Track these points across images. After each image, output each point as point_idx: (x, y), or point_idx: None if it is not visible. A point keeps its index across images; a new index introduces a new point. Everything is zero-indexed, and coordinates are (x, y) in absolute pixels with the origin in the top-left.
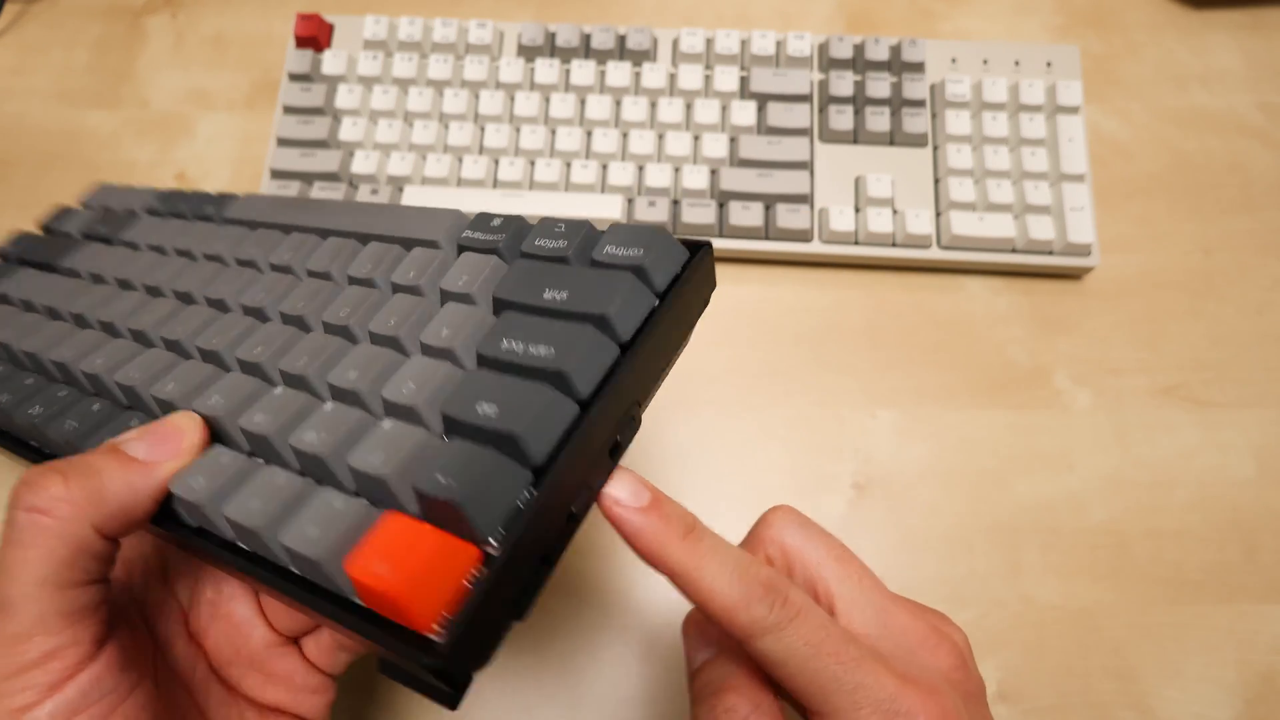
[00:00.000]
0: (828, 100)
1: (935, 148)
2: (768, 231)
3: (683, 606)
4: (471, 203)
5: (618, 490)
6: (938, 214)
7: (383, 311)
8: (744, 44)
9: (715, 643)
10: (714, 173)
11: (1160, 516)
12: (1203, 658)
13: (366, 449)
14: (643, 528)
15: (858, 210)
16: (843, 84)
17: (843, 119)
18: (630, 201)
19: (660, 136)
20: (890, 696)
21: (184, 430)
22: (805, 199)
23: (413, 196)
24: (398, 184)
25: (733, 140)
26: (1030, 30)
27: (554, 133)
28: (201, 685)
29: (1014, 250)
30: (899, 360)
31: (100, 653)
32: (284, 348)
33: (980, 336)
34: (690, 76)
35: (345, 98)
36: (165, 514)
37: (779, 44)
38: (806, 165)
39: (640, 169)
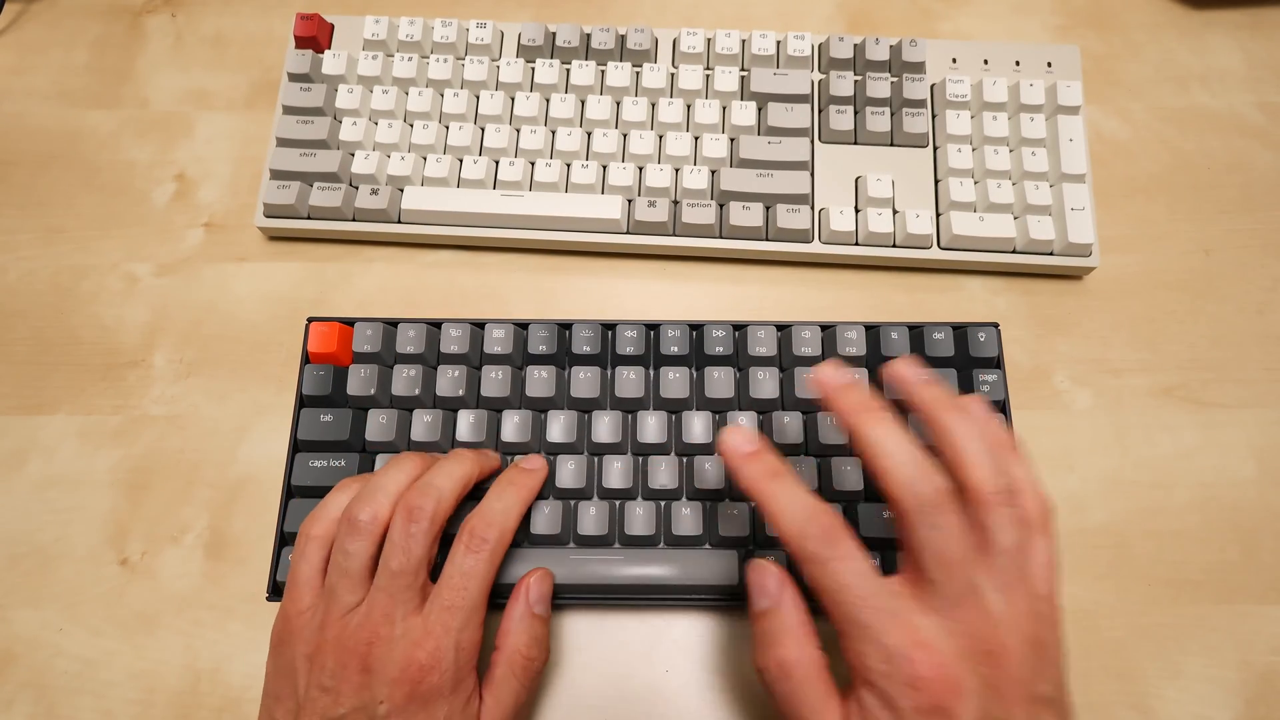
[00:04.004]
0: (828, 100)
1: (935, 148)
2: (768, 232)
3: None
4: (472, 203)
5: (734, 439)
6: (938, 214)
7: None
8: (744, 44)
9: (776, 595)
10: (714, 173)
11: (1160, 516)
12: (1203, 658)
13: None
14: (741, 466)
15: (858, 210)
16: (843, 84)
17: (843, 119)
18: (630, 202)
19: (660, 137)
20: (895, 644)
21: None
22: (805, 199)
23: (413, 197)
24: (398, 184)
25: (733, 141)
26: (1030, 30)
27: (554, 133)
28: None
29: (1014, 250)
30: None
31: None
32: None
33: None
34: (690, 77)
35: (345, 98)
36: None
37: (779, 44)
38: (806, 165)
39: (640, 170)
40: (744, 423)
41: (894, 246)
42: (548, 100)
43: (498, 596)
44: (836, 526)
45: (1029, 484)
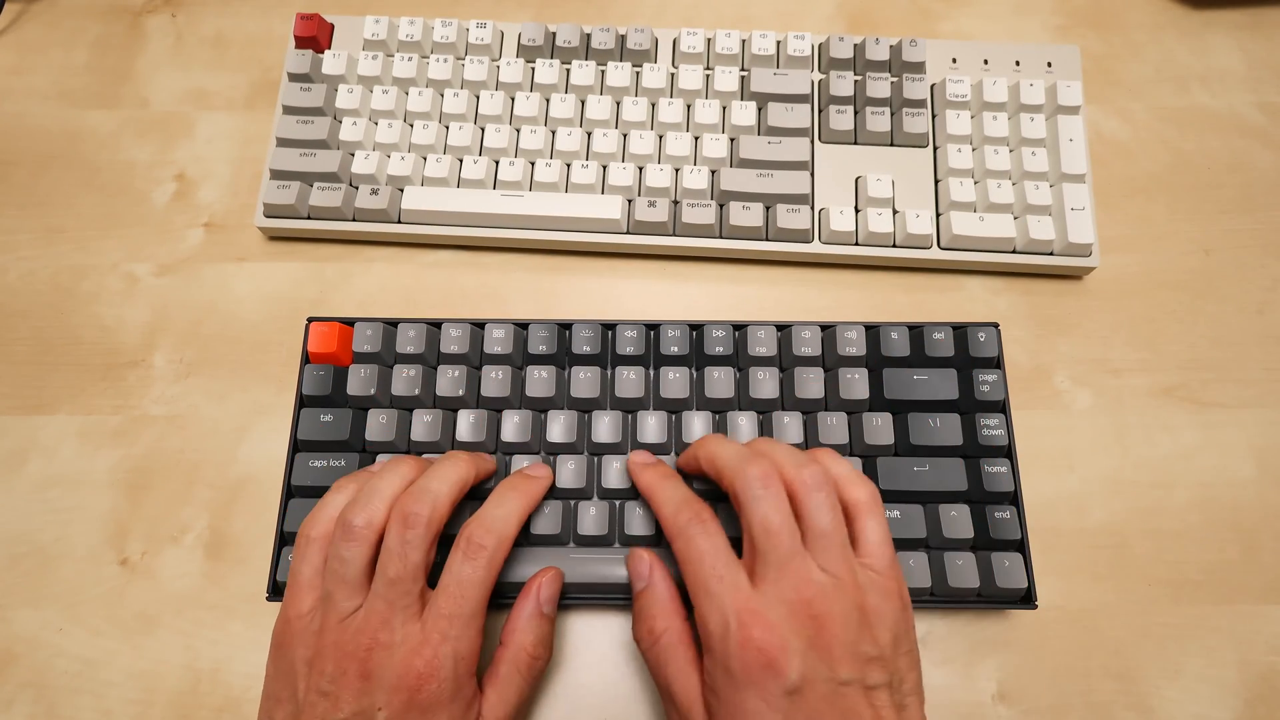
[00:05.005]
0: (828, 100)
1: (935, 148)
2: (768, 232)
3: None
4: (472, 203)
5: (637, 456)
6: (938, 214)
7: None
8: (744, 44)
9: (647, 576)
10: (714, 173)
11: (1160, 516)
12: (1203, 658)
13: None
14: (640, 473)
15: (858, 210)
16: (843, 84)
17: (843, 119)
18: (630, 202)
19: (660, 137)
20: (733, 608)
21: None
22: (805, 199)
23: (413, 197)
24: (398, 185)
25: (733, 141)
26: (1030, 30)
27: (554, 133)
28: None
29: (1014, 250)
30: None
31: None
32: None
33: None
34: (690, 77)
35: (345, 98)
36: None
37: (779, 44)
38: (806, 165)
39: (640, 170)
40: (743, 423)
41: (894, 246)
42: (548, 100)
43: (500, 597)
44: (704, 511)
45: (852, 475)
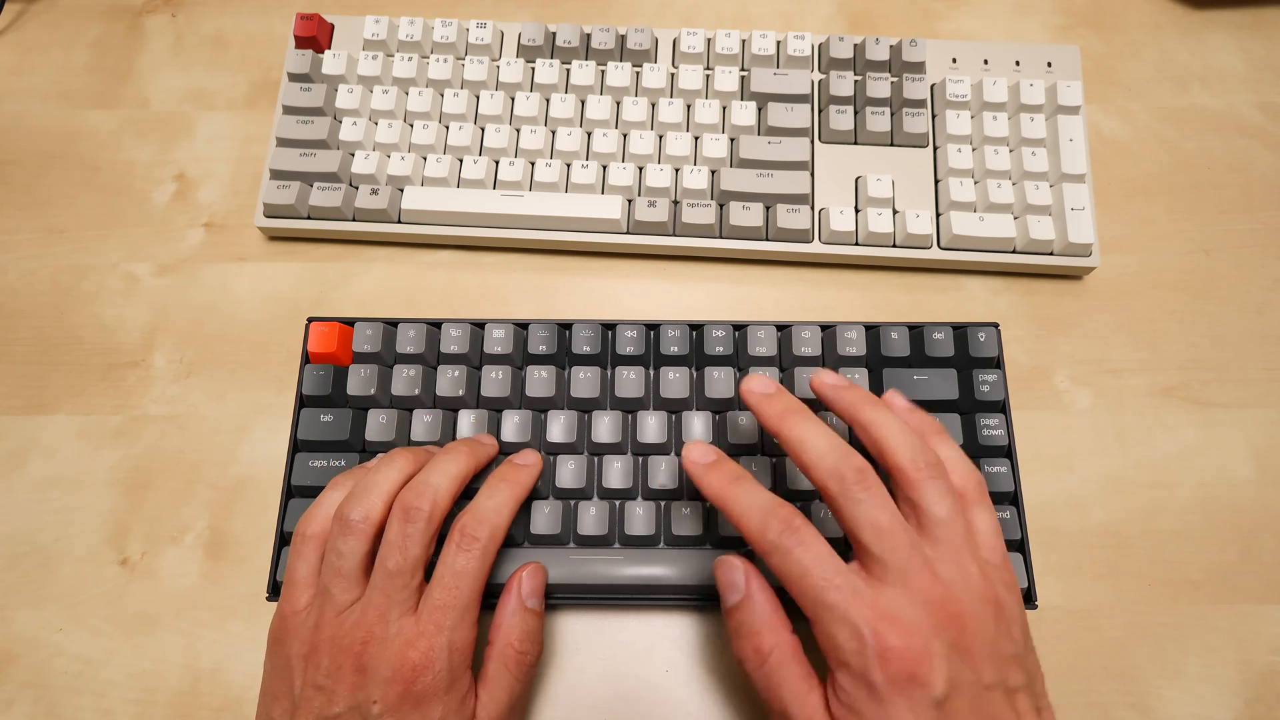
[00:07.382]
0: (828, 100)
1: (935, 148)
2: (768, 232)
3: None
4: (472, 203)
5: (694, 452)
6: (938, 214)
7: None
8: (744, 44)
9: (743, 587)
10: (714, 173)
11: (1160, 516)
12: (1203, 658)
13: None
14: (703, 476)
15: (858, 210)
16: (843, 84)
17: (843, 119)
18: (630, 202)
19: (660, 137)
20: (863, 617)
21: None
22: (805, 199)
23: (413, 197)
24: (398, 185)
25: (733, 141)
26: (1030, 30)
27: (554, 133)
28: None
29: (1014, 251)
30: None
31: None
32: None
33: None
34: (690, 77)
35: (345, 98)
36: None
37: (779, 44)
38: (806, 165)
39: (640, 170)
40: (744, 423)
41: (894, 246)
42: (548, 100)
43: (491, 596)
44: (795, 517)
45: (958, 460)
